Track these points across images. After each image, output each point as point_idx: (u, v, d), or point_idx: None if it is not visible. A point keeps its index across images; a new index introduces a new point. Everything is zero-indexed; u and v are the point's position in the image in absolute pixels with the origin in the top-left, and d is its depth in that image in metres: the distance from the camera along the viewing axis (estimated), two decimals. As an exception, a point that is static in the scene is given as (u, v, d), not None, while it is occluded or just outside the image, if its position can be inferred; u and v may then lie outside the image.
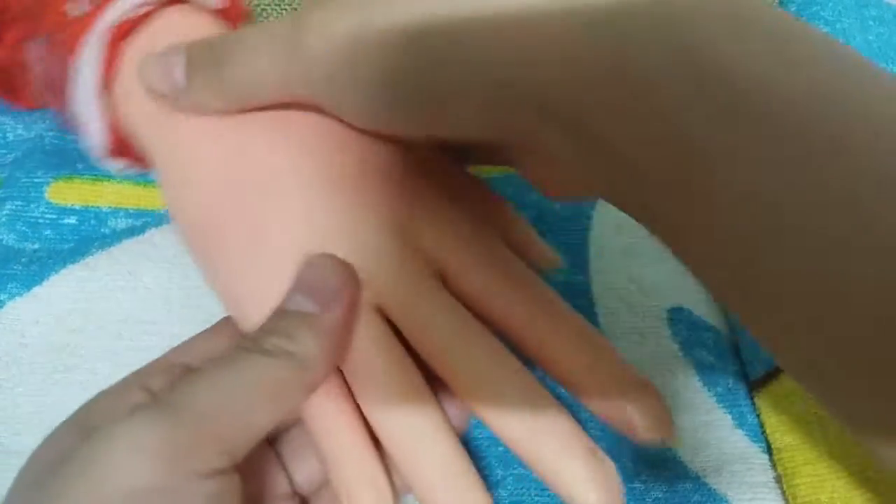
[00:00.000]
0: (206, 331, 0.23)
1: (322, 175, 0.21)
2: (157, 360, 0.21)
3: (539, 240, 0.24)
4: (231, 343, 0.21)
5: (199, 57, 0.21)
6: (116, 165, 0.29)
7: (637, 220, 0.17)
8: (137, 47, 0.24)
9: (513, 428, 0.19)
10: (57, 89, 0.27)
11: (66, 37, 0.26)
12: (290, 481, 0.22)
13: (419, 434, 0.19)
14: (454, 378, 0.19)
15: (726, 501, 0.24)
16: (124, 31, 0.25)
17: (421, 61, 0.17)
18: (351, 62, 0.18)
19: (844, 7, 0.34)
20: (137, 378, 0.20)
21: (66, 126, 0.28)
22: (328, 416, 0.20)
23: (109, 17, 0.25)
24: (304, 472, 0.22)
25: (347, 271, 0.20)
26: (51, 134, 0.34)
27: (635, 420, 0.19)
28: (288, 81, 0.20)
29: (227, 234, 0.21)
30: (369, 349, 0.20)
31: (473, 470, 0.19)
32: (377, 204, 0.21)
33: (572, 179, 0.18)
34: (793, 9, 0.34)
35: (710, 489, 0.24)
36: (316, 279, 0.19)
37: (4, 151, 0.33)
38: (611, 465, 0.19)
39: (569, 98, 0.16)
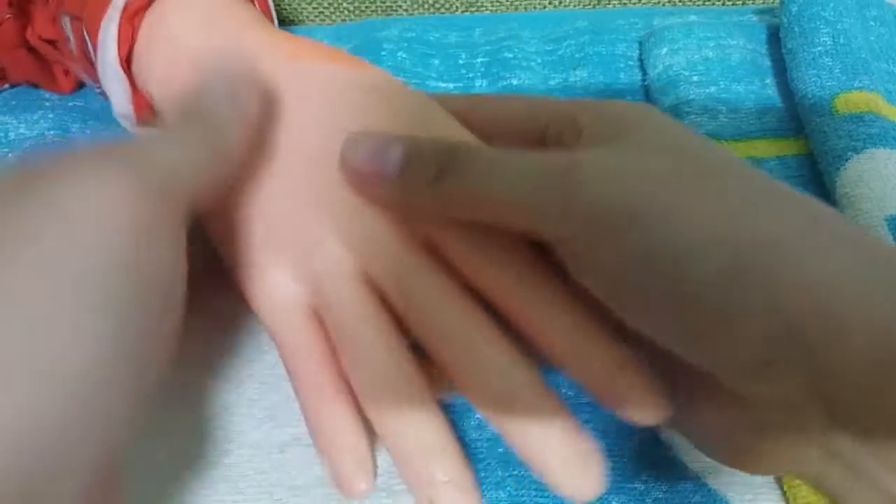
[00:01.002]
0: None
1: (313, 153, 0.22)
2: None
3: None
4: None
5: (422, 154, 0.19)
6: (148, 133, 0.30)
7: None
8: (154, 22, 0.26)
9: (496, 412, 0.19)
10: (88, 63, 0.29)
11: (87, 16, 0.27)
12: None
13: (401, 410, 0.19)
14: (438, 351, 0.20)
15: (726, 502, 0.24)
16: (136, 8, 0.26)
17: (731, 281, 0.16)
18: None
19: (845, 7, 0.34)
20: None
21: (104, 97, 0.30)
22: (314, 385, 0.21)
23: None
24: None
25: (254, 79, 0.22)
26: (52, 133, 0.34)
27: (627, 398, 0.19)
28: (545, 213, 0.18)
29: (225, 204, 0.22)
30: (356, 325, 0.20)
31: (455, 445, 0.20)
32: None
33: (775, 452, 0.17)
34: (794, 9, 0.34)
35: (710, 489, 0.24)
36: (231, 78, 0.21)
37: (6, 150, 0.33)
38: (593, 449, 0.19)
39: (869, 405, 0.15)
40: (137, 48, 0.27)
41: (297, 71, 0.23)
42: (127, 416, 0.15)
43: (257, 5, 0.29)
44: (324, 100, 0.23)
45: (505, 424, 0.19)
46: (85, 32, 0.28)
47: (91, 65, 0.29)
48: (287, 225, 0.22)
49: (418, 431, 0.19)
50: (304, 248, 0.21)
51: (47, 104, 0.35)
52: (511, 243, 0.20)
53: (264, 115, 0.22)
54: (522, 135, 0.23)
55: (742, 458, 0.18)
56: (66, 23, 0.29)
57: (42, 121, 0.34)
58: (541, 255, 0.20)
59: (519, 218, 0.19)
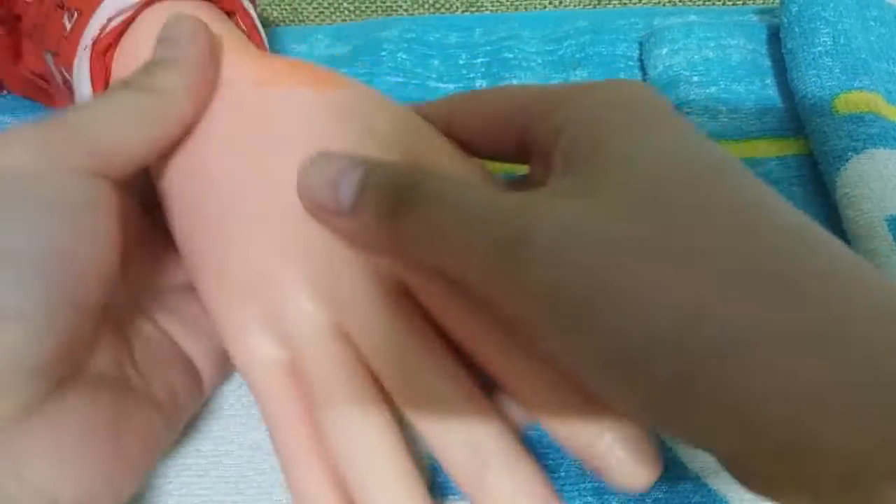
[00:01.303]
0: None
1: (279, 197, 0.20)
2: None
3: None
4: None
5: (378, 188, 0.18)
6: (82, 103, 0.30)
7: None
8: (125, 52, 0.25)
9: (454, 450, 0.18)
10: (70, 99, 0.28)
11: (63, 53, 0.26)
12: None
13: (356, 436, 0.19)
14: (413, 417, 0.19)
15: (726, 502, 0.24)
16: (105, 45, 0.25)
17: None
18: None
19: (846, 7, 0.34)
20: None
21: None
22: (294, 453, 0.20)
23: (91, 32, 0.25)
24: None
25: (197, 22, 0.23)
26: (53, 133, 0.34)
27: (606, 472, 0.18)
28: (495, 285, 0.16)
29: (202, 253, 0.22)
30: (329, 385, 0.19)
31: (414, 475, 0.19)
32: None
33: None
34: (794, 9, 0.34)
35: (710, 489, 0.24)
36: (172, 31, 0.22)
37: (6, 151, 0.33)
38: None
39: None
40: (112, 82, 0.26)
41: (262, 99, 0.22)
42: None
43: (241, 23, 0.28)
44: (289, 130, 0.21)
45: (475, 497, 0.18)
46: (63, 68, 0.27)
47: (72, 101, 0.28)
48: (256, 276, 0.21)
49: (393, 495, 0.19)
50: (274, 304, 0.20)
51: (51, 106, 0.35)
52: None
53: (210, 51, 0.23)
54: (503, 136, 0.21)
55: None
56: (49, 59, 0.28)
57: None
58: None
59: (470, 282, 0.17)
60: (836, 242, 0.15)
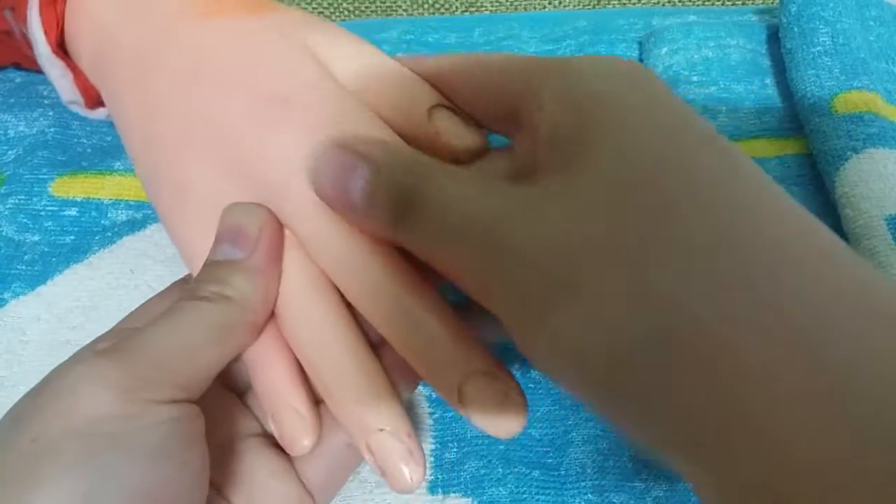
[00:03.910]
0: (160, 293, 0.24)
1: (227, 119, 0.21)
2: (111, 329, 0.22)
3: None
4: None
5: (386, 190, 0.18)
6: (102, 113, 0.30)
7: None
8: (74, 3, 0.25)
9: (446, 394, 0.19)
10: (31, 54, 0.28)
11: (16, 7, 0.27)
12: (262, 424, 0.23)
13: (326, 351, 0.20)
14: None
15: (727, 500, 0.24)
16: None
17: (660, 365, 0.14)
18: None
19: (845, 7, 0.34)
20: (92, 344, 0.20)
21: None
22: (257, 349, 0.21)
23: None
24: None
25: (263, 212, 0.21)
26: (52, 130, 0.34)
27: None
28: (480, 285, 0.17)
29: (161, 186, 0.23)
30: (284, 281, 0.21)
31: (381, 377, 0.20)
32: (281, 142, 0.21)
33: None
34: (793, 9, 0.34)
35: (710, 488, 0.24)
36: (235, 226, 0.21)
37: (6, 148, 0.33)
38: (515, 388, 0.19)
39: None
40: (67, 34, 0.26)
41: (203, 30, 0.23)
42: None
43: None
44: (229, 58, 0.22)
45: (426, 375, 0.20)
46: (20, 23, 0.27)
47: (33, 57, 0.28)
48: (214, 197, 0.22)
49: (353, 380, 0.20)
50: None
51: (46, 102, 0.35)
52: None
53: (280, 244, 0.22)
54: (490, 105, 0.22)
55: None
56: (9, 15, 0.29)
57: (42, 118, 0.34)
58: None
59: (464, 284, 0.18)
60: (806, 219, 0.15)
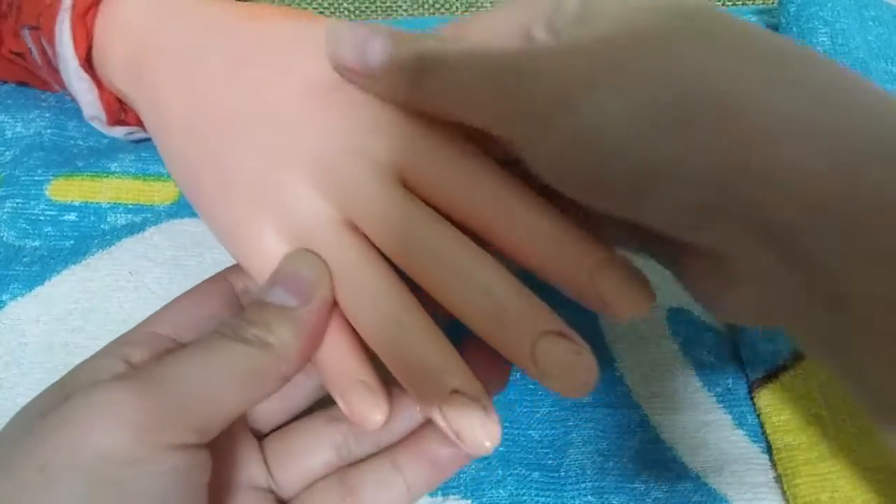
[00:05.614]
0: (193, 292, 0.23)
1: (275, 106, 0.22)
2: (141, 327, 0.21)
3: None
4: (218, 313, 0.22)
5: (409, 45, 0.19)
6: (121, 132, 0.31)
7: (813, 353, 0.17)
8: (107, 15, 0.26)
9: (488, 331, 0.19)
10: (53, 71, 0.28)
11: (43, 24, 0.27)
12: (270, 477, 0.22)
13: (394, 324, 0.20)
14: (426, 280, 0.20)
15: (726, 501, 0.24)
16: (85, 7, 0.26)
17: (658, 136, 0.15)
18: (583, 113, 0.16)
19: (844, 7, 0.34)
20: (119, 347, 0.20)
21: (75, 102, 0.30)
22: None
23: None
24: (287, 473, 0.22)
25: (324, 268, 0.20)
26: (49, 131, 0.34)
27: (607, 297, 0.19)
28: (499, 112, 0.18)
29: (202, 179, 0.23)
30: (349, 270, 0.20)
31: (461, 363, 0.19)
32: (333, 124, 0.21)
33: (752, 302, 0.17)
34: (792, 10, 0.34)
35: (710, 489, 0.24)
36: (295, 273, 0.20)
37: (3, 149, 0.33)
38: (584, 349, 0.19)
39: (789, 218, 0.14)
40: (96, 46, 0.27)
41: (254, 30, 0.24)
42: None
43: None
44: (281, 56, 0.23)
45: (497, 340, 0.19)
46: (44, 40, 0.28)
47: (56, 72, 0.29)
48: (263, 185, 0.21)
49: (423, 350, 0.19)
50: (285, 206, 0.21)
51: (44, 103, 0.35)
52: (480, 164, 0.20)
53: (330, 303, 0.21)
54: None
55: (728, 310, 0.18)
56: (27, 35, 0.29)
57: (39, 119, 0.34)
58: (516, 171, 0.20)
59: (483, 122, 0.19)
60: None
